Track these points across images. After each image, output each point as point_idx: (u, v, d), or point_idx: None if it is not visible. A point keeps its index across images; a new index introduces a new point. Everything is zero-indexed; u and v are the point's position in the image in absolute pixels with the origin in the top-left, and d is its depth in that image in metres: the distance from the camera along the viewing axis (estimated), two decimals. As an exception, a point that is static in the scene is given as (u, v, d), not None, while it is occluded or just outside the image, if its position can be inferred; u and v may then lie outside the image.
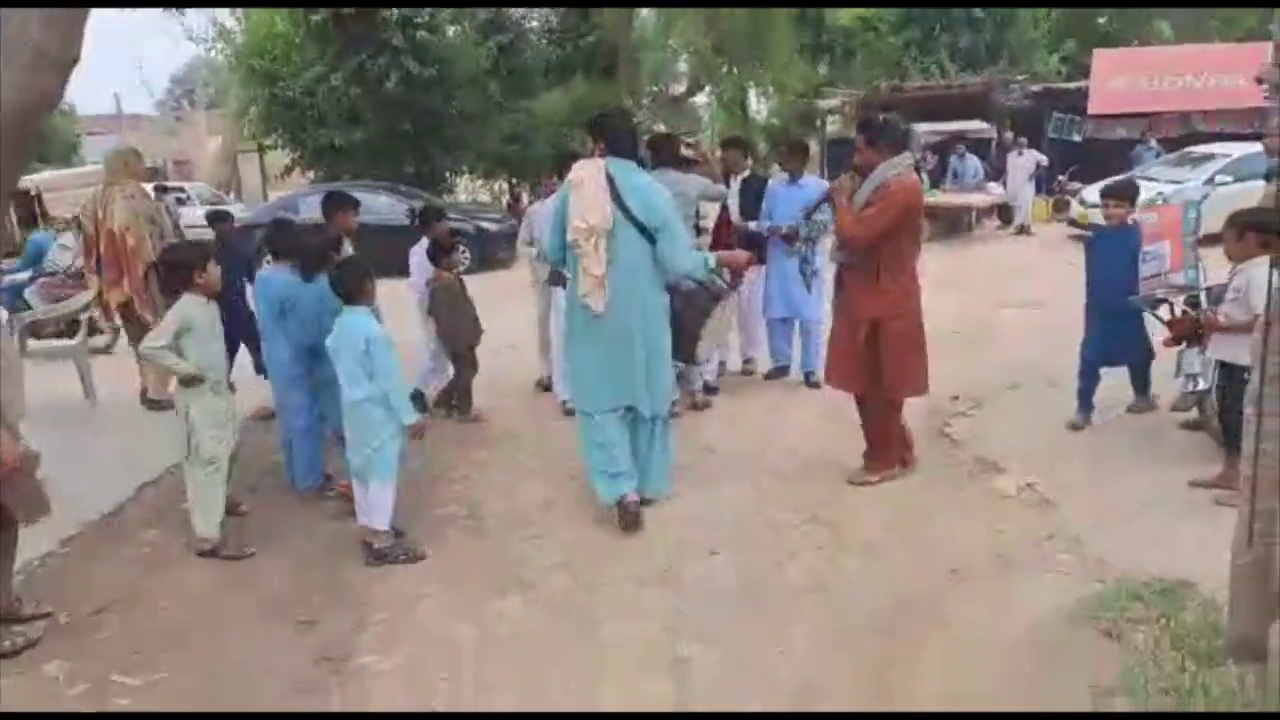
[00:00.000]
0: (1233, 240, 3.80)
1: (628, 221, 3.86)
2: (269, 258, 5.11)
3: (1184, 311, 4.29)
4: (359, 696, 2.95)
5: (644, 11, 23.63)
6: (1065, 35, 22.99)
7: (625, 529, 4.04)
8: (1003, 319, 8.03)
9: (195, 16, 18.50)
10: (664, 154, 5.63)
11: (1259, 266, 3.69)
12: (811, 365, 6.30)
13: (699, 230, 5.76)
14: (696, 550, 3.88)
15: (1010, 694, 2.75)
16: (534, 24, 22.63)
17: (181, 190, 19.10)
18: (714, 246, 5.54)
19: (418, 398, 5.43)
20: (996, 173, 16.42)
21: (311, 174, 18.74)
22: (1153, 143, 17.28)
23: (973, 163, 16.01)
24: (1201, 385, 4.16)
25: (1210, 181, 12.98)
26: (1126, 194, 4.81)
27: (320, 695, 2.97)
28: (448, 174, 19.66)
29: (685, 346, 4.25)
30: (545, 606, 3.51)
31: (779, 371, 6.51)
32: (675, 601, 3.47)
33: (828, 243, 5.99)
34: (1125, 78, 18.72)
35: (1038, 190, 16.17)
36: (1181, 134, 17.85)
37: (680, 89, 26.90)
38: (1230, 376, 3.86)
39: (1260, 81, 2.54)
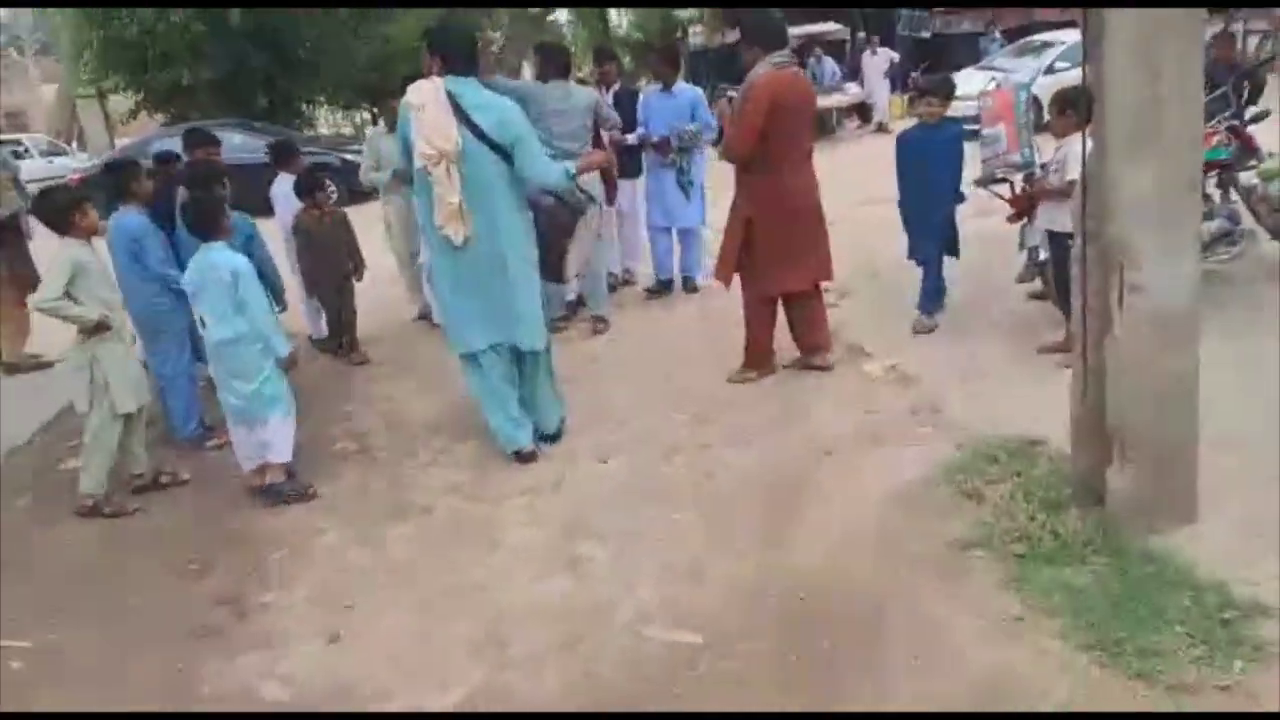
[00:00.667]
0: (1055, 117, 4.09)
1: (479, 141, 3.59)
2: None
3: (1022, 189, 4.60)
4: (262, 634, 2.98)
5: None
6: (913, -69, 23.33)
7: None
8: (864, 214, 8.33)
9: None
10: (554, 65, 5.47)
11: (1074, 141, 3.99)
12: (690, 270, 6.39)
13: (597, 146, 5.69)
14: (587, 458, 4.01)
15: (872, 548, 3.01)
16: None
17: (18, 143, 17.55)
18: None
19: None
20: (852, 72, 16.77)
21: (160, 117, 17.51)
22: (997, 34, 17.96)
23: (829, 64, 16.29)
24: (1042, 256, 4.49)
25: (1050, 69, 13.63)
26: (942, 90, 5.03)
27: (222, 638, 2.98)
28: (304, 107, 18.70)
29: (552, 265, 4.12)
30: (442, 527, 3.59)
31: (662, 287, 6.44)
32: (569, 508, 3.60)
33: (708, 151, 6.18)
34: (968, -30, 19.23)
35: (893, 88, 16.63)
36: (1024, 24, 18.58)
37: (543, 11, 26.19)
38: (1058, 244, 4.18)
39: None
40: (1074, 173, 3.90)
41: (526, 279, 3.86)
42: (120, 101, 18.51)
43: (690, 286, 6.40)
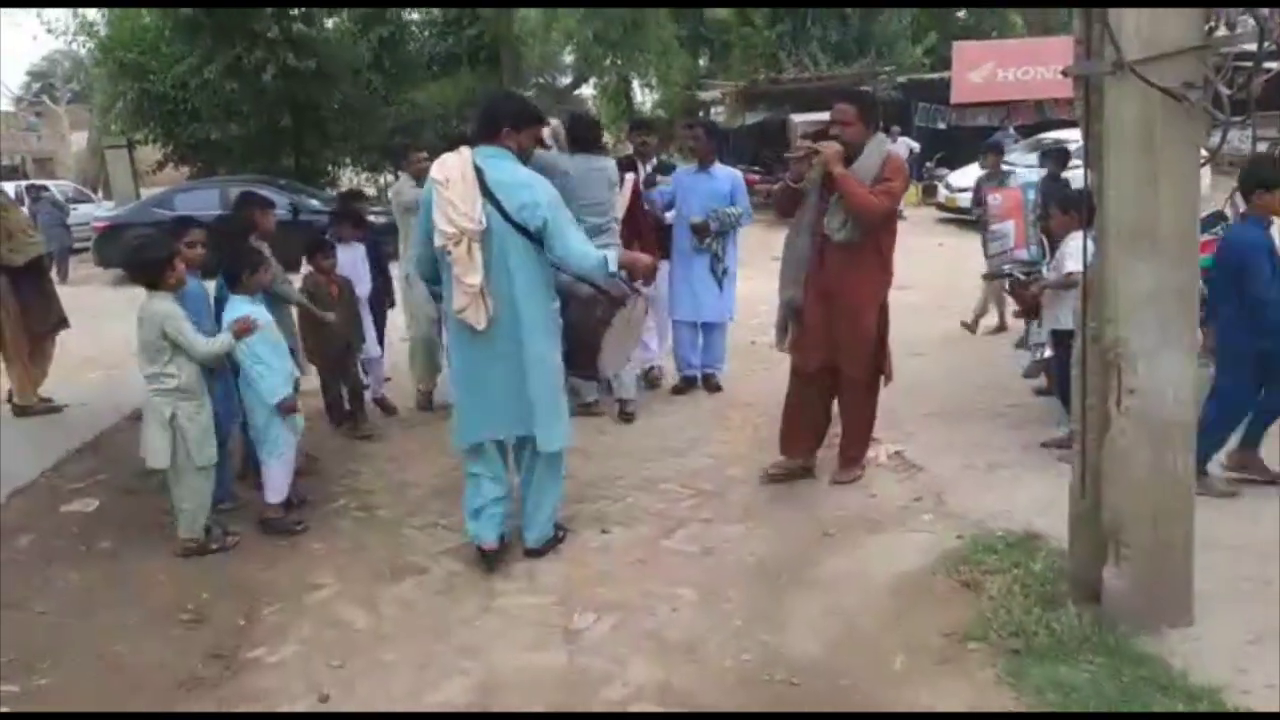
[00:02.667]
0: (1056, 218, 4.22)
1: (505, 221, 3.32)
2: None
3: (1026, 285, 4.70)
4: (252, 690, 2.96)
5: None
6: (927, 28, 24.16)
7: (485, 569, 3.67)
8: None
9: (55, 9, 17.45)
10: (584, 136, 5.15)
11: (1074, 239, 4.10)
12: (713, 366, 5.93)
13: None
14: (588, 527, 4.02)
15: (869, 636, 3.00)
16: (415, 17, 22.26)
17: (44, 188, 17.98)
18: (629, 237, 5.16)
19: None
20: (865, 159, 17.13)
21: (187, 170, 18.00)
22: (1011, 130, 18.42)
23: (905, 141, 16.71)
24: (1046, 354, 4.57)
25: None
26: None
27: (211, 691, 2.96)
28: (329, 167, 19.18)
29: (584, 360, 3.80)
30: (437, 589, 3.59)
31: (687, 384, 5.93)
32: (567, 576, 3.60)
33: (740, 236, 5.87)
34: (983, 69, 19.83)
35: (911, 176, 16.97)
36: (1037, 121, 19.07)
37: (566, 80, 26.94)
38: (1062, 342, 4.26)
39: (1065, 74, 2.84)
40: (1071, 266, 4.01)
41: (547, 373, 3.53)
42: (148, 153, 19.02)
43: (713, 385, 5.92)
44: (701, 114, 23.93)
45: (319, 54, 16.52)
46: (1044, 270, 4.58)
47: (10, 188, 16.73)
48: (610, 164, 5.21)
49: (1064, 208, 4.16)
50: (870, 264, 3.97)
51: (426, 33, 21.82)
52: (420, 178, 5.33)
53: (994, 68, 19.82)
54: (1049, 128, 17.76)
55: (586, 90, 28.54)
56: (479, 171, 3.32)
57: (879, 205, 3.84)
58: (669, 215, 5.69)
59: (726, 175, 5.75)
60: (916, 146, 17.18)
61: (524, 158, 3.49)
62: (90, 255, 13.87)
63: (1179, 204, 2.63)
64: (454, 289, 3.38)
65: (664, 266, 5.72)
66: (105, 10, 17.10)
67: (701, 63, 25.56)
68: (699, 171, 5.70)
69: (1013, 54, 20.35)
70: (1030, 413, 5.02)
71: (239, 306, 3.96)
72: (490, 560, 3.65)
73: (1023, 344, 5.84)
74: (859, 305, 3.99)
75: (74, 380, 6.75)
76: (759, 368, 6.19)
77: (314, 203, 13.39)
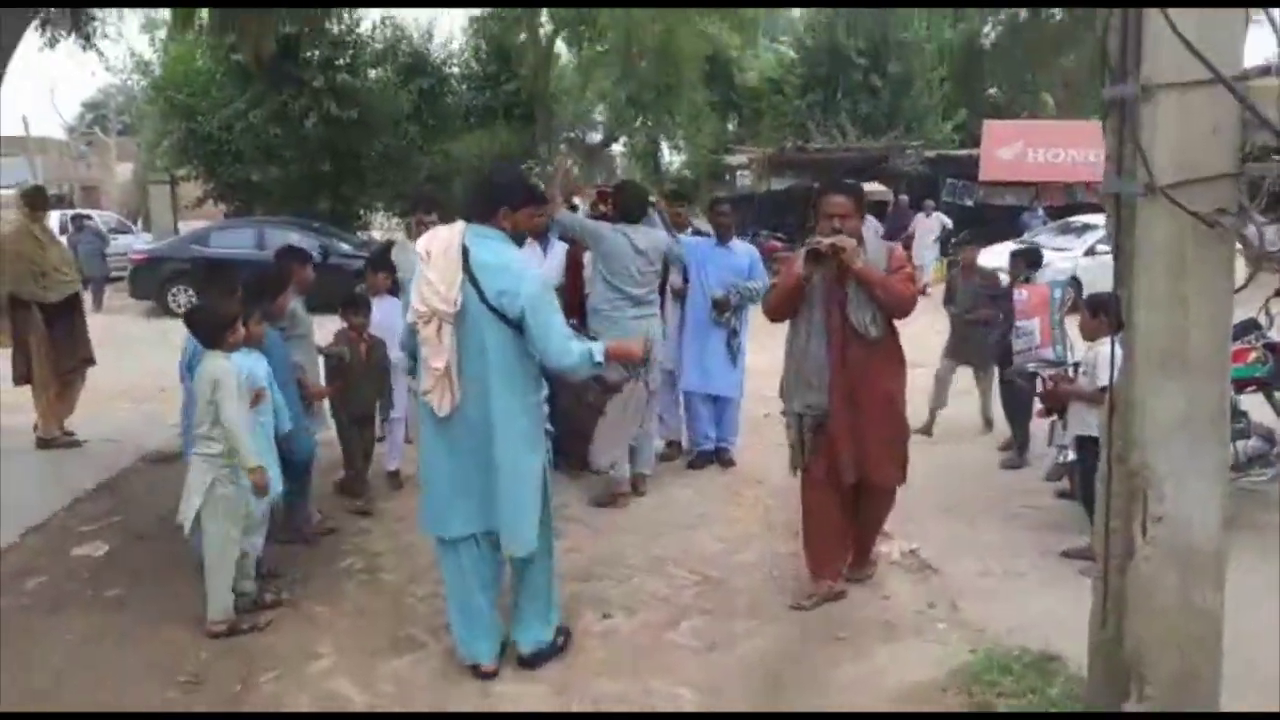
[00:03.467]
0: (1086, 319, 4.17)
1: (482, 304, 3.07)
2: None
3: (1052, 386, 4.64)
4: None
5: (563, 60, 24.12)
6: (957, 105, 24.42)
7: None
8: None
9: (113, 46, 18.17)
10: (630, 207, 5.12)
11: (1106, 344, 4.04)
12: (726, 439, 5.88)
13: (664, 292, 5.43)
14: (589, 610, 3.94)
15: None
16: (455, 70, 22.84)
17: (87, 217, 18.42)
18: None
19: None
20: (892, 234, 17.21)
21: (224, 207, 18.45)
22: (1040, 210, 18.46)
23: (873, 223, 16.67)
24: (1069, 457, 4.48)
25: (1091, 251, 13.96)
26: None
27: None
28: (362, 212, 19.56)
29: (575, 449, 3.62)
30: (435, 666, 3.51)
31: (702, 459, 5.83)
32: (566, 664, 3.52)
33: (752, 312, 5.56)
34: (1013, 148, 19.95)
35: (940, 253, 17.01)
36: (1066, 203, 19.10)
37: (597, 138, 27.40)
38: (1088, 450, 4.17)
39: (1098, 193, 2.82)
40: (1105, 378, 3.94)
41: (520, 468, 3.20)
42: (189, 189, 19.48)
43: (726, 459, 5.86)
44: (727, 177, 24.25)
45: (361, 104, 16.95)
46: (1070, 373, 4.52)
47: (55, 216, 17.17)
48: (658, 235, 5.15)
49: (1094, 310, 4.12)
50: (894, 355, 3.80)
51: (465, 86, 22.33)
52: None
53: (1023, 147, 19.94)
54: (1078, 210, 17.80)
55: (616, 148, 29.01)
56: (465, 250, 3.09)
57: (912, 294, 3.74)
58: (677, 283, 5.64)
59: (745, 250, 5.80)
60: (949, 223, 17.22)
61: (519, 239, 3.32)
62: (125, 286, 14.11)
63: (1211, 325, 2.58)
64: (421, 370, 3.21)
65: (676, 335, 5.73)
66: (161, 50, 17.66)
67: (730, 127, 25.92)
68: (718, 245, 5.72)
69: (1043, 135, 20.47)
70: (1050, 516, 4.92)
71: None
72: (487, 679, 3.36)
73: (1008, 447, 5.83)
74: (890, 401, 3.80)
75: (101, 413, 6.80)
76: (771, 442, 6.11)
77: (344, 246, 13.61)
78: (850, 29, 22.31)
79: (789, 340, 3.88)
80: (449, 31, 24.45)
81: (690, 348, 5.65)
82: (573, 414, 3.52)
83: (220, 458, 3.63)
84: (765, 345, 6.97)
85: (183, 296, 12.87)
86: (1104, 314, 4.06)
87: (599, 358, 3.18)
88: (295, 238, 13.40)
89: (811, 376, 3.74)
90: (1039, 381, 4.80)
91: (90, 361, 6.35)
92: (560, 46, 22.36)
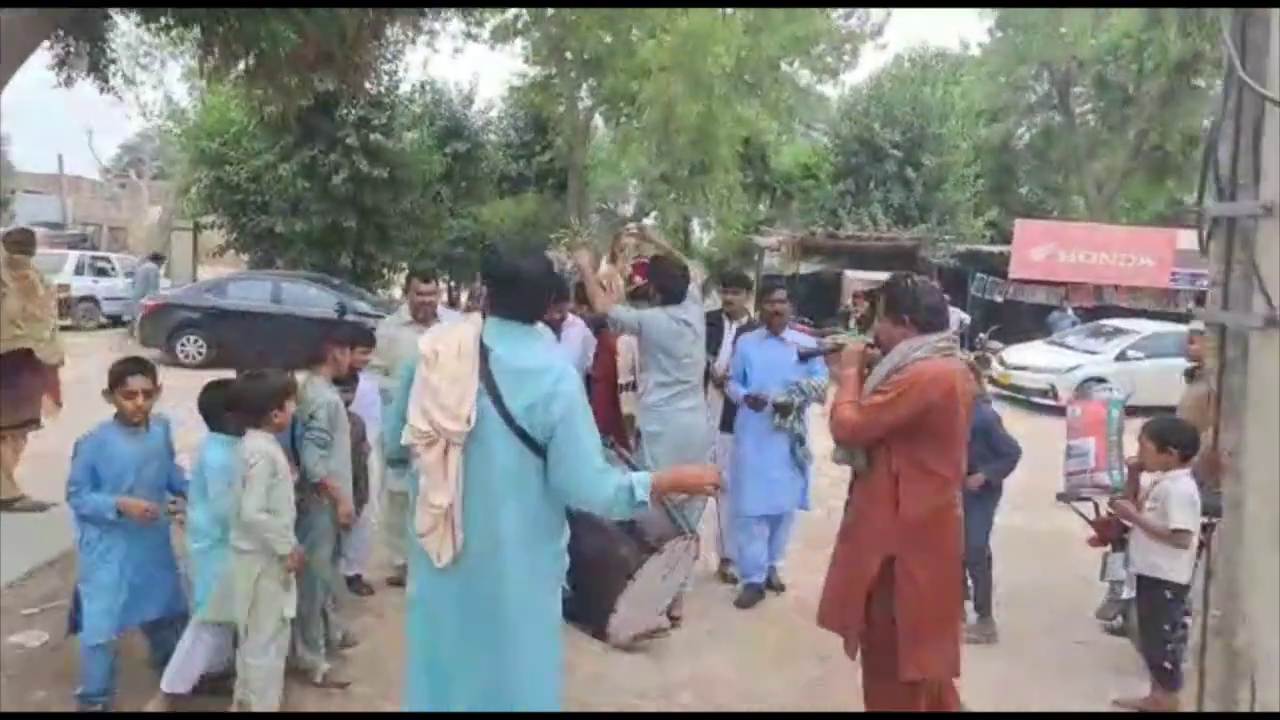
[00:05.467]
0: (1153, 452, 3.76)
1: (503, 422, 2.32)
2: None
3: (1109, 513, 4.22)
4: None
5: (599, 134, 24.41)
6: (990, 201, 24.40)
7: None
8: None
9: (151, 91, 18.46)
10: (667, 286, 4.49)
11: (1178, 480, 3.65)
12: (774, 559, 5.06)
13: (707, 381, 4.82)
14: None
15: None
16: (492, 137, 23.13)
17: (106, 259, 18.45)
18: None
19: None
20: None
21: (246, 257, 18.45)
22: (1069, 310, 18.18)
23: (902, 313, 16.51)
24: (1126, 594, 4.05)
25: (1122, 356, 13.61)
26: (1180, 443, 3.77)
27: None
28: (385, 271, 19.51)
29: (589, 615, 2.83)
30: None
31: (752, 594, 4.90)
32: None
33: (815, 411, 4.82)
34: (1044, 248, 19.76)
35: (960, 347, 16.66)
36: (1095, 304, 18.81)
37: (628, 211, 27.53)
38: (1148, 589, 3.75)
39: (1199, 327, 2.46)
40: (1181, 521, 3.54)
41: (533, 634, 2.47)
42: (213, 237, 19.57)
43: (777, 583, 5.07)
44: (756, 257, 24.17)
45: (392, 163, 17.02)
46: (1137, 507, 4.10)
47: (73, 257, 17.19)
48: (696, 314, 4.53)
49: (1162, 442, 3.72)
50: (878, 498, 2.94)
51: (500, 153, 22.56)
52: (419, 313, 4.63)
53: (1055, 248, 19.77)
54: (1107, 312, 17.53)
55: (647, 222, 29.12)
56: (485, 351, 2.37)
57: (842, 419, 2.95)
58: (739, 390, 4.85)
59: (801, 342, 4.78)
60: (966, 319, 16.91)
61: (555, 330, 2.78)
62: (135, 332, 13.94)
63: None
64: (418, 505, 2.42)
65: (723, 440, 5.00)
66: (197, 99, 17.90)
67: (761, 208, 25.98)
68: (769, 338, 4.87)
69: (1074, 237, 20.32)
70: (1099, 655, 4.43)
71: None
72: None
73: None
74: (862, 549, 3.00)
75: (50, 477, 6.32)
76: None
77: (362, 304, 13.42)
78: (885, 119, 22.44)
79: None
80: (488, 99, 24.76)
81: (749, 460, 4.81)
82: (593, 568, 2.65)
83: (260, 553, 3.21)
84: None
85: (191, 347, 12.66)
86: (1175, 447, 3.68)
87: (642, 496, 2.34)
88: (314, 293, 13.32)
89: None
90: (1091, 507, 4.38)
91: (35, 424, 5.86)
92: (598, 120, 22.62)
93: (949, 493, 2.95)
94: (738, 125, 19.22)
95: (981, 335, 17.72)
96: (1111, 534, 4.15)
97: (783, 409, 4.71)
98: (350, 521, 3.75)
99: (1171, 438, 3.68)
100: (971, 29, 56.78)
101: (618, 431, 4.76)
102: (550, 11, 19.18)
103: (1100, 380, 12.84)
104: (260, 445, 3.23)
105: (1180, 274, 19.43)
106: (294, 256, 16.78)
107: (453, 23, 15.71)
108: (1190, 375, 5.12)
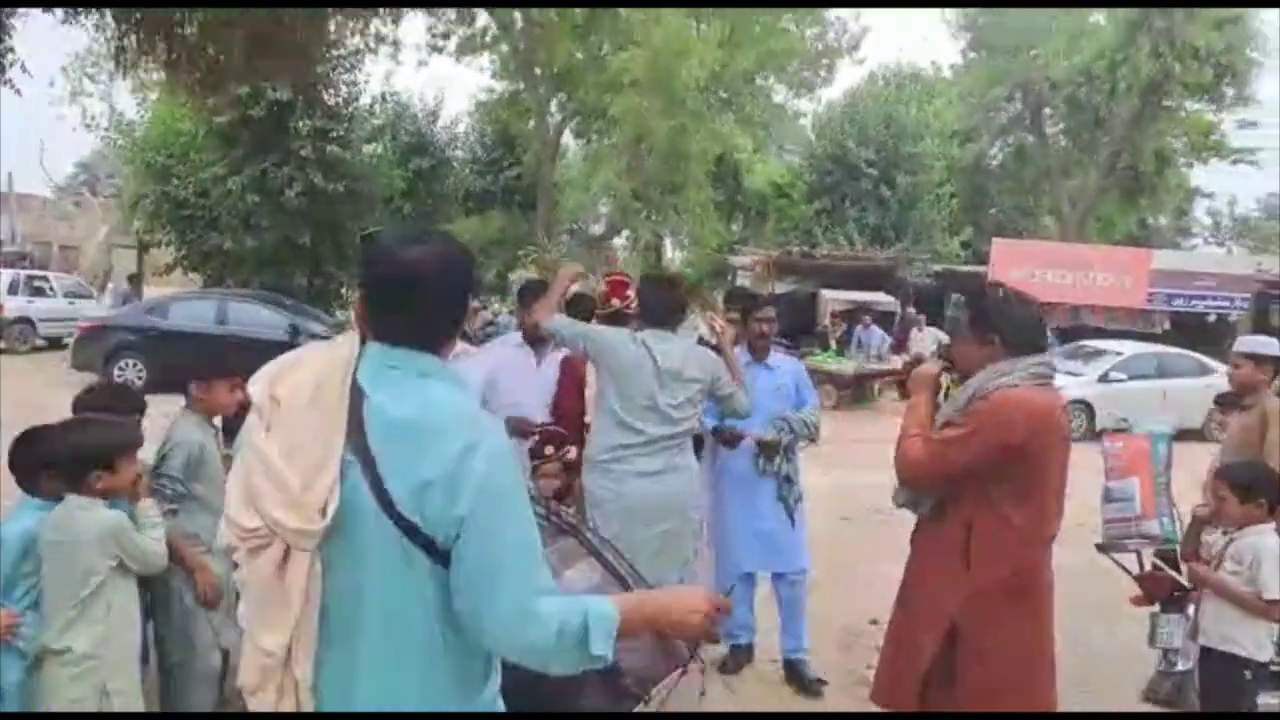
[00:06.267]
0: (1235, 504, 3.14)
1: (382, 515, 1.39)
2: None
3: (1155, 566, 3.59)
4: None
5: (570, 152, 23.90)
6: (963, 221, 24.20)
7: None
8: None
9: (98, 104, 17.50)
10: (655, 306, 3.50)
11: (1266, 536, 3.04)
12: (797, 646, 4.02)
13: (699, 443, 3.81)
14: None
15: None
16: (458, 153, 22.51)
17: (45, 278, 17.47)
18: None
19: None
20: (898, 345, 16.52)
21: (195, 276, 17.56)
22: (1047, 330, 17.87)
23: (878, 333, 16.13)
24: (1182, 666, 3.42)
25: (1105, 378, 13.29)
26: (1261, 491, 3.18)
27: None
28: (343, 290, 18.73)
29: None
30: None
31: (738, 658, 4.09)
32: None
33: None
34: (1021, 268, 19.52)
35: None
36: (1071, 324, 18.59)
37: (599, 230, 26.98)
38: (1219, 665, 3.13)
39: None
40: (1274, 586, 2.93)
41: None
42: (161, 255, 18.65)
43: (811, 684, 3.93)
44: (730, 278, 23.69)
45: (350, 177, 16.28)
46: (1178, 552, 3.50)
47: (7, 275, 16.23)
48: (703, 354, 3.57)
49: (1246, 491, 3.10)
50: (945, 553, 2.45)
51: (466, 170, 21.94)
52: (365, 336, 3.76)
53: (1032, 268, 19.55)
54: (1083, 332, 17.33)
55: (618, 241, 28.60)
56: (358, 396, 1.45)
57: (908, 455, 2.46)
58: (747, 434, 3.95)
59: (789, 368, 4.17)
60: (944, 339, 16.47)
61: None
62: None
63: None
64: (244, 643, 1.50)
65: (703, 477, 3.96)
66: (144, 110, 17.07)
67: (735, 228, 25.57)
68: (753, 364, 4.02)
69: (1051, 256, 20.20)
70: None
71: (18, 521, 2.46)
72: None
73: None
74: (921, 614, 2.52)
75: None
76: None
77: (316, 326, 12.66)
78: (860, 137, 22.14)
79: None
80: (454, 114, 24.20)
81: (733, 512, 3.96)
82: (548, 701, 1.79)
83: (91, 660, 2.37)
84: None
85: (130, 372, 11.79)
86: (1264, 497, 3.07)
87: (601, 648, 1.41)
88: (264, 314, 12.54)
89: None
90: (1134, 559, 3.75)
91: None
92: (568, 136, 22.11)
93: (1034, 552, 2.43)
94: (711, 141, 18.76)
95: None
96: (1162, 592, 3.52)
97: (768, 449, 3.90)
98: (216, 597, 2.84)
99: (1259, 486, 3.08)
100: (944, 51, 57.23)
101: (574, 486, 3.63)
102: (520, 24, 18.67)
103: (1082, 403, 12.51)
104: (76, 518, 2.41)
105: (1156, 294, 19.26)
106: (244, 275, 15.94)
107: (416, 29, 15.15)
108: (1222, 402, 4.57)
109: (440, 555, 1.40)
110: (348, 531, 1.39)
